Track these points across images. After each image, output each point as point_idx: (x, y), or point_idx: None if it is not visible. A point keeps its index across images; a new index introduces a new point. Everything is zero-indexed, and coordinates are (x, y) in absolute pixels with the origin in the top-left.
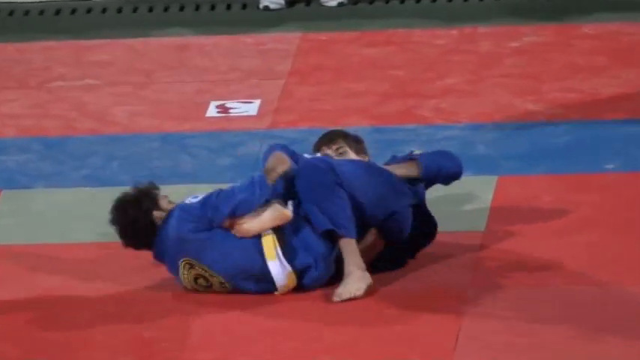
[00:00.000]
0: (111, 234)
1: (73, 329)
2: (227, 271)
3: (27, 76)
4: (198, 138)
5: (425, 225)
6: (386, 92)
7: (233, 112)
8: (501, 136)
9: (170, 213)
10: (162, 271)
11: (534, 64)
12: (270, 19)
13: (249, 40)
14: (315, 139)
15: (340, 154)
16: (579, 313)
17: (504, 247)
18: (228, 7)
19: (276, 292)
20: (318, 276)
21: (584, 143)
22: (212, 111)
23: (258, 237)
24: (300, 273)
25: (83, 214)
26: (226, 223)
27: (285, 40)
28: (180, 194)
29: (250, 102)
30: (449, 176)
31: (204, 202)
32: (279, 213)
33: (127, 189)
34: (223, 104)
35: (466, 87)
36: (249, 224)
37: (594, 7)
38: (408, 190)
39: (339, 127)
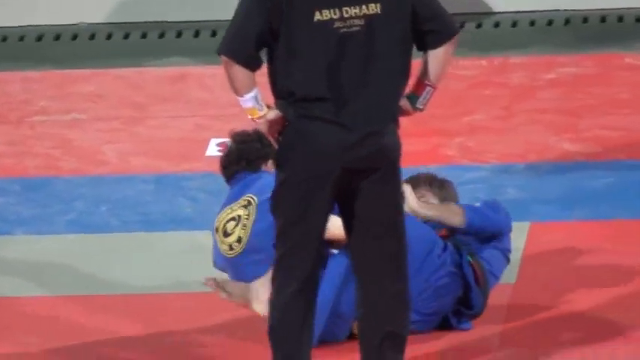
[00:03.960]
0: (100, 286)
1: None
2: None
3: (5, 109)
4: (198, 180)
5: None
6: (405, 129)
7: None
8: (534, 178)
9: (264, 177)
10: (166, 331)
11: (572, 98)
12: None
13: None
14: None
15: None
16: None
17: (537, 302)
18: None
19: None
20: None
21: (626, 186)
22: (212, 149)
23: None
24: None
25: (68, 264)
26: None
27: None
28: (177, 242)
29: None
30: (494, 233)
31: None
32: None
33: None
34: (225, 142)
35: (496, 123)
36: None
37: (638, 33)
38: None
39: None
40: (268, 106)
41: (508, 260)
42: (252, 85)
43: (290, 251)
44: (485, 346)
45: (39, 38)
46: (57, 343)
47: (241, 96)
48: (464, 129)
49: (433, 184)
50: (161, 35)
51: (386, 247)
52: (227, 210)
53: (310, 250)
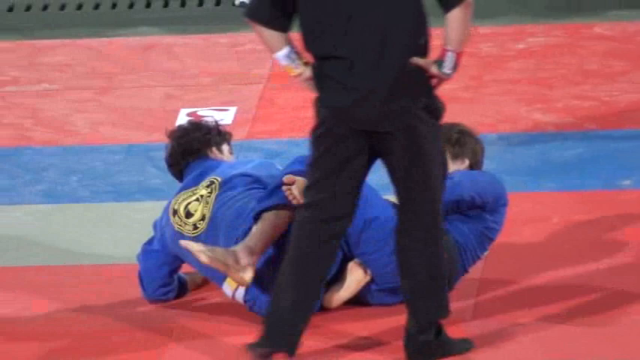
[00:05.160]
0: (70, 256)
1: None
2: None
3: None
4: None
5: None
6: None
7: None
8: (505, 149)
9: (225, 163)
10: (135, 301)
11: (542, 68)
12: None
13: (223, 40)
14: (297, 150)
15: None
16: (598, 349)
17: (508, 274)
18: (200, 3)
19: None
20: None
21: (598, 157)
22: (182, 119)
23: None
24: None
25: (38, 235)
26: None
27: None
28: (147, 212)
29: (225, 109)
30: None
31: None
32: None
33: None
34: (195, 112)
35: (466, 94)
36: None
37: (609, 3)
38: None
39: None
40: (306, 64)
41: (489, 238)
42: (282, 44)
43: (315, 186)
44: (458, 318)
45: (10, 9)
46: (25, 312)
47: (273, 54)
48: None
49: (449, 140)
50: (130, 5)
51: (415, 220)
52: (187, 192)
53: (337, 194)
